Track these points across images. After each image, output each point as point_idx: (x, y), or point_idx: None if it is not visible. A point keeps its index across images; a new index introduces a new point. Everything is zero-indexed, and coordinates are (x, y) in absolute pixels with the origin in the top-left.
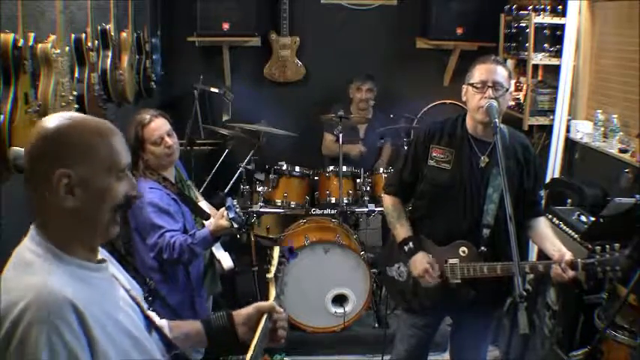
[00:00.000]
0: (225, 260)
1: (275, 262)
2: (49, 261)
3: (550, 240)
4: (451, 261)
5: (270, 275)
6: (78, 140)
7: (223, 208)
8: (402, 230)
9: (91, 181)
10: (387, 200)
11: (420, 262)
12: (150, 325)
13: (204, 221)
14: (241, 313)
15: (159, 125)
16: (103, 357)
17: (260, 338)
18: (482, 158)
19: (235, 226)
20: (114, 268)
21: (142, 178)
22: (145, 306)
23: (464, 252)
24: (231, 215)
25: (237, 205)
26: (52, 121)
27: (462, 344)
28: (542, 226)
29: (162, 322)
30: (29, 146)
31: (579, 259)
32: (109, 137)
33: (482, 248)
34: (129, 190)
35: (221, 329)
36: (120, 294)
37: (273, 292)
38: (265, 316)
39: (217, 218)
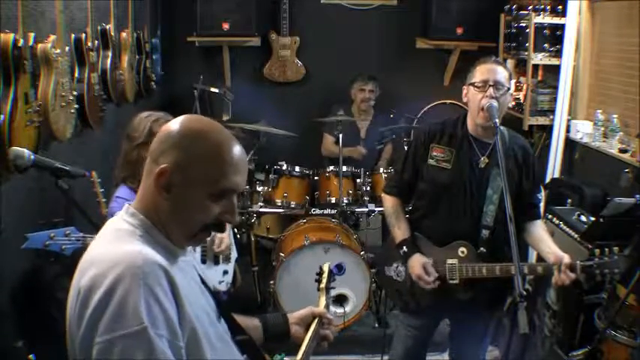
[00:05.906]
0: None
1: (326, 275)
2: (143, 232)
3: (546, 242)
4: (450, 261)
5: (322, 286)
6: (194, 148)
7: None
8: (399, 233)
9: (188, 190)
10: (387, 201)
11: (415, 266)
12: (220, 312)
13: None
14: (295, 315)
15: None
16: (189, 324)
17: (311, 337)
18: (482, 159)
19: None
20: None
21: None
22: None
23: (463, 252)
24: None
25: None
26: (185, 122)
27: (462, 344)
28: (539, 229)
29: None
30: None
31: (578, 262)
32: (226, 158)
33: (481, 249)
34: (224, 214)
35: (277, 327)
36: (198, 280)
37: (323, 301)
38: (317, 320)
39: None
